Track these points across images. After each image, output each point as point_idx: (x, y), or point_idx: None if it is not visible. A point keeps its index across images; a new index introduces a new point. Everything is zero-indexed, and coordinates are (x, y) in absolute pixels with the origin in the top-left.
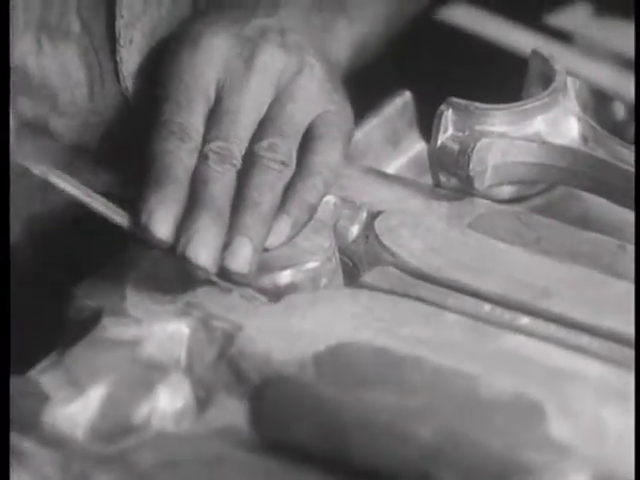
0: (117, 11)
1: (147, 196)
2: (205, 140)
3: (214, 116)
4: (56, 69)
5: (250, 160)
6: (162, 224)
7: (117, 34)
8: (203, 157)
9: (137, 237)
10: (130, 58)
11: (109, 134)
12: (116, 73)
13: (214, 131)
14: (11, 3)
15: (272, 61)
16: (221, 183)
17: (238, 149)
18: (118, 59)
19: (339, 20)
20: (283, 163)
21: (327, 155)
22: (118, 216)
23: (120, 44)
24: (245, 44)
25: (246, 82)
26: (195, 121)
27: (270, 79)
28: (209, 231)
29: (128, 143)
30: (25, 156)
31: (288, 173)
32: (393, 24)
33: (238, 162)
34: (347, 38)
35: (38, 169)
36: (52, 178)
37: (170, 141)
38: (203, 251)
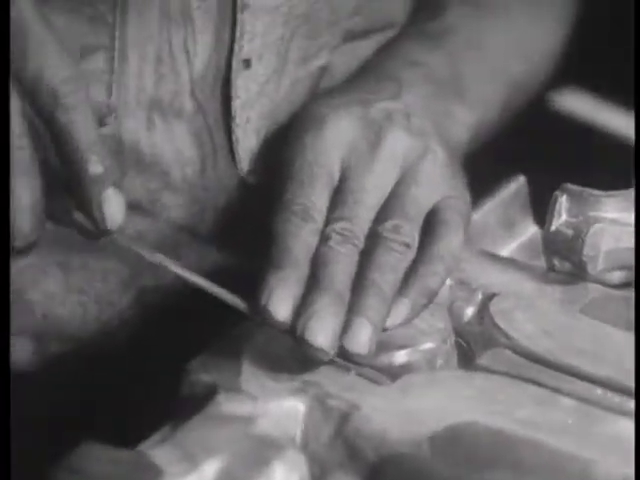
0: (233, 92)
1: (267, 277)
2: (328, 220)
3: (337, 196)
4: (168, 146)
5: (373, 240)
6: (281, 305)
7: (233, 114)
8: (325, 238)
9: (254, 319)
10: (246, 138)
11: (219, 212)
12: (230, 152)
13: (337, 211)
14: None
15: (397, 144)
16: (342, 264)
17: (361, 230)
18: (234, 139)
19: (459, 106)
20: (406, 245)
21: (450, 241)
22: (236, 300)
23: (236, 124)
24: (370, 126)
25: (371, 164)
26: (318, 201)
27: (394, 162)
28: (328, 312)
29: (238, 222)
30: (140, 245)
31: (410, 255)
32: (509, 110)
33: (360, 243)
34: (465, 122)
35: (155, 258)
36: (170, 266)
37: (292, 222)
38: (322, 333)
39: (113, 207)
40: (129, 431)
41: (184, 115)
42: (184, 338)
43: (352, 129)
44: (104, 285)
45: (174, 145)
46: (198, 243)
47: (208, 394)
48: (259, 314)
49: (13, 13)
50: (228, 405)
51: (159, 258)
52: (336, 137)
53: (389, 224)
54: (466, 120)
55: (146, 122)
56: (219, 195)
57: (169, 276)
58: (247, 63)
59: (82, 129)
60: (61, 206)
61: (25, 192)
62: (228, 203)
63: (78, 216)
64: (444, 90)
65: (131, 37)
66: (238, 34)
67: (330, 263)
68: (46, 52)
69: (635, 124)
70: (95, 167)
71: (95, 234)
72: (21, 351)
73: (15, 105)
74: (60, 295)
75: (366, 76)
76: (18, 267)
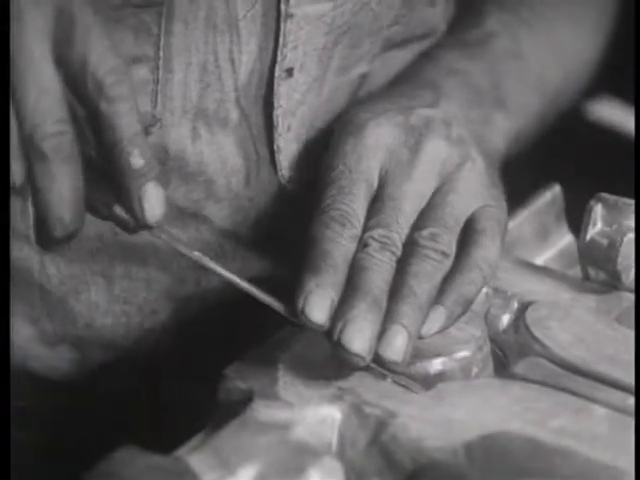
0: (275, 100)
1: (305, 281)
2: (366, 227)
3: (376, 203)
4: (213, 156)
5: (411, 248)
6: (319, 309)
7: (275, 123)
8: (363, 244)
9: (292, 322)
10: (287, 146)
11: (262, 221)
12: (272, 161)
13: (376, 218)
14: (168, 91)
15: (436, 151)
16: (380, 271)
17: (399, 237)
18: (275, 147)
19: (497, 114)
20: (444, 253)
21: (488, 250)
22: (273, 301)
23: (278, 132)
24: (410, 133)
25: (410, 171)
26: (357, 207)
27: (433, 169)
28: (365, 319)
29: (280, 230)
30: (179, 241)
31: (448, 264)
32: (545, 119)
33: (398, 250)
34: (504, 131)
35: (193, 254)
36: (207, 263)
37: (331, 227)
38: (358, 339)
39: (153, 201)
40: (166, 437)
41: (229, 124)
42: (224, 345)
43: (392, 136)
44: (147, 294)
45: (219, 155)
46: (241, 252)
47: (244, 401)
48: (296, 316)
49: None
50: (264, 412)
51: (197, 255)
52: (376, 144)
53: (427, 232)
54: (504, 128)
55: (191, 132)
56: (262, 204)
57: (211, 285)
58: (289, 72)
59: (125, 121)
60: (100, 198)
61: (66, 180)
62: (271, 212)
63: (117, 209)
64: (483, 98)
65: (176, 47)
66: (281, 43)
67: (368, 270)
68: (92, 40)
69: (635, 124)
70: (136, 160)
71: (134, 228)
72: (63, 360)
73: (58, 89)
74: (103, 304)
75: (406, 83)
76: (61, 276)
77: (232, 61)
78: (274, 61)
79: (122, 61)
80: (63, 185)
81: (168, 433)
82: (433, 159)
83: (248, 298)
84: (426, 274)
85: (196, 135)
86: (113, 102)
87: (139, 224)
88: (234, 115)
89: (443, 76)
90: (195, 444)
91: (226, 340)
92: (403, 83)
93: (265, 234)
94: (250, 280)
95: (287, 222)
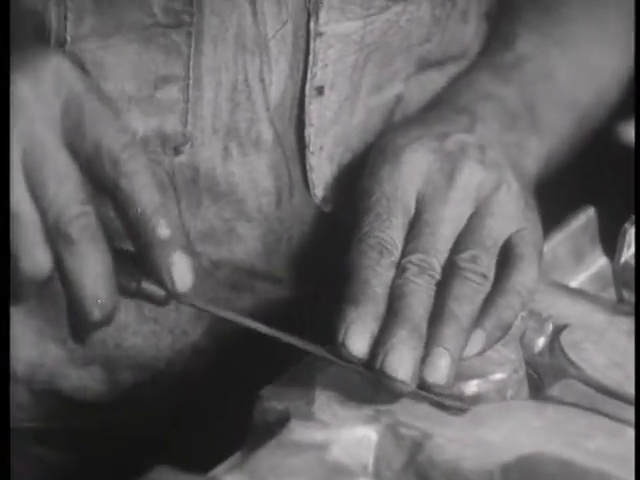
0: (307, 119)
1: (345, 312)
2: (404, 252)
3: (414, 229)
4: (244, 176)
5: (450, 271)
6: (359, 341)
7: (307, 142)
8: (402, 269)
9: (332, 360)
10: (320, 166)
11: (294, 242)
12: (305, 182)
13: (413, 243)
14: (198, 110)
15: (472, 176)
16: (419, 296)
17: (437, 261)
18: (308, 166)
19: (531, 138)
20: (484, 276)
21: (526, 275)
22: (311, 346)
23: (310, 151)
24: (446, 159)
25: (447, 196)
26: (394, 235)
27: (470, 194)
28: (407, 345)
29: (313, 252)
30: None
31: (487, 286)
32: (577, 141)
33: (437, 274)
34: (537, 154)
35: (228, 314)
36: (243, 321)
37: (369, 256)
38: (402, 366)
39: (182, 270)
40: (202, 457)
41: (262, 146)
42: (256, 367)
43: (427, 162)
44: (177, 315)
45: (250, 175)
46: (273, 273)
47: (281, 421)
48: (335, 353)
49: (64, 89)
50: (300, 432)
51: (232, 315)
52: (412, 170)
53: (467, 255)
54: (538, 152)
55: (222, 151)
56: (294, 225)
57: (242, 306)
58: (320, 90)
59: (147, 194)
60: (127, 276)
61: (97, 259)
62: (303, 233)
63: (145, 284)
64: (517, 122)
65: (206, 66)
66: (311, 62)
67: (407, 295)
68: (102, 122)
69: (635, 124)
70: (163, 230)
71: (165, 300)
72: (93, 381)
73: (75, 174)
74: (133, 325)
75: (440, 108)
76: None
77: (262, 80)
78: (305, 80)
79: (133, 137)
80: (95, 264)
81: (199, 454)
82: (469, 184)
83: (278, 320)
84: (467, 297)
85: (228, 155)
86: (132, 177)
87: (170, 295)
88: (267, 136)
89: (478, 100)
90: (231, 464)
91: (257, 362)
92: (438, 108)
93: (297, 255)
94: (284, 306)
95: (320, 243)
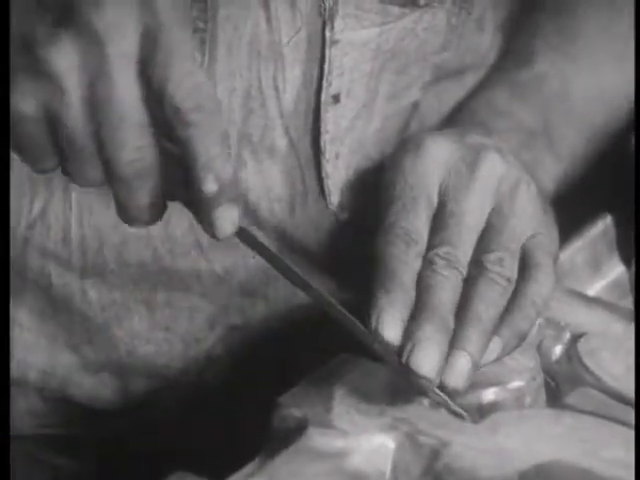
0: (322, 127)
1: (376, 300)
2: (430, 244)
3: (438, 219)
4: (257, 183)
5: (477, 271)
6: (392, 327)
7: (322, 149)
8: (428, 262)
9: (363, 343)
10: (336, 173)
11: (308, 249)
12: (320, 189)
13: (439, 235)
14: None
15: (494, 168)
16: (447, 289)
17: (464, 255)
18: (323, 174)
19: (547, 157)
20: (509, 280)
21: (542, 285)
22: (349, 316)
23: (325, 159)
24: (468, 149)
25: (469, 186)
26: (420, 225)
27: (492, 186)
28: (433, 341)
29: (327, 258)
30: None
31: (510, 290)
32: (591, 158)
33: (464, 269)
34: (553, 174)
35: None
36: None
37: (396, 245)
38: (427, 362)
39: (224, 223)
40: (215, 465)
41: (277, 153)
42: (270, 374)
43: (450, 152)
44: (190, 323)
45: (264, 182)
46: (286, 279)
47: (299, 428)
48: (370, 337)
49: (147, 16)
50: (319, 440)
51: (284, 263)
52: (435, 160)
53: (494, 256)
54: (554, 171)
55: (235, 158)
56: (308, 232)
57: (255, 314)
58: (336, 98)
59: (200, 147)
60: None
61: (144, 195)
62: (317, 240)
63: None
64: (533, 141)
65: (219, 73)
66: (327, 70)
67: (435, 287)
68: (173, 64)
69: (635, 125)
70: (209, 186)
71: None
72: (105, 388)
73: (139, 115)
74: (145, 332)
75: (457, 123)
76: (102, 303)
77: (276, 88)
78: (319, 88)
79: (204, 83)
80: (141, 200)
81: (212, 462)
82: (491, 175)
83: (293, 327)
84: (492, 300)
85: (241, 162)
86: (188, 128)
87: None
88: (282, 144)
89: (495, 118)
90: (249, 471)
91: (270, 370)
92: (454, 122)
93: (311, 263)
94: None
95: (336, 250)
